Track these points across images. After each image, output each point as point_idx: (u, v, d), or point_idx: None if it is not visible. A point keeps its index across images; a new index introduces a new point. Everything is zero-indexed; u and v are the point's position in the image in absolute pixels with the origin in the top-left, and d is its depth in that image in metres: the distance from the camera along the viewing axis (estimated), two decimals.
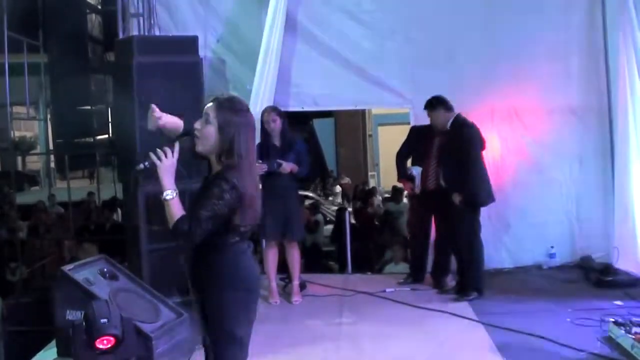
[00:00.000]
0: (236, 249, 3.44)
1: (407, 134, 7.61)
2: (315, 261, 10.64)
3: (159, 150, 3.38)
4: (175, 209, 3.32)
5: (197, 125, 3.40)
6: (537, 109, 7.88)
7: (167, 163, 3.36)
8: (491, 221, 7.29)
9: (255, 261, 3.71)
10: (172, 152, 3.39)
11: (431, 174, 7.10)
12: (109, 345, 3.98)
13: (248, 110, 3.51)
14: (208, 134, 3.36)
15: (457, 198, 6.63)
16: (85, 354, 4.09)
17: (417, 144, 7.35)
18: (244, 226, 3.42)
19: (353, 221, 11.36)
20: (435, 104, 6.91)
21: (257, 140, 6.94)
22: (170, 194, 3.32)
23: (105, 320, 4.01)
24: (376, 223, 12.23)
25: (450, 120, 6.86)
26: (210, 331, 3.50)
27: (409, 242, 8.21)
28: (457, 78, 7.58)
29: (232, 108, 3.40)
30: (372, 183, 22.49)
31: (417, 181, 7.21)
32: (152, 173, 3.40)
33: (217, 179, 3.32)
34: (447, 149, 6.87)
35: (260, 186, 6.42)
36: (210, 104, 3.42)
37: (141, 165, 3.43)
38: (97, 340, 4.00)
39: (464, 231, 6.77)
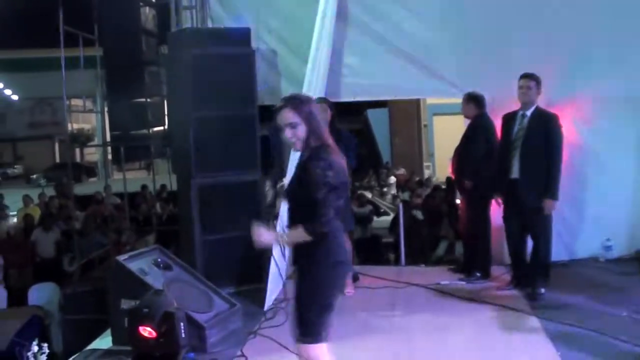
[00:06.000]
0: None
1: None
2: (373, 253, 10.64)
3: None
4: (298, 235, 3.70)
5: (288, 134, 3.75)
6: (593, 98, 7.68)
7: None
8: None
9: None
10: None
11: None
12: (152, 336, 4.04)
13: (310, 98, 4.00)
14: (301, 133, 3.73)
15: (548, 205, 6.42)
16: (134, 341, 4.16)
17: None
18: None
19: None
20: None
21: None
22: (283, 235, 3.83)
23: (146, 310, 4.08)
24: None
25: (532, 109, 6.66)
26: None
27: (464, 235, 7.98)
28: (511, 68, 7.42)
29: (302, 101, 3.81)
30: (427, 174, 22.34)
31: None
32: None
33: (311, 162, 3.68)
34: (529, 140, 6.59)
35: None
36: (283, 111, 3.74)
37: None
38: (140, 327, 4.07)
39: (540, 224, 6.57)
